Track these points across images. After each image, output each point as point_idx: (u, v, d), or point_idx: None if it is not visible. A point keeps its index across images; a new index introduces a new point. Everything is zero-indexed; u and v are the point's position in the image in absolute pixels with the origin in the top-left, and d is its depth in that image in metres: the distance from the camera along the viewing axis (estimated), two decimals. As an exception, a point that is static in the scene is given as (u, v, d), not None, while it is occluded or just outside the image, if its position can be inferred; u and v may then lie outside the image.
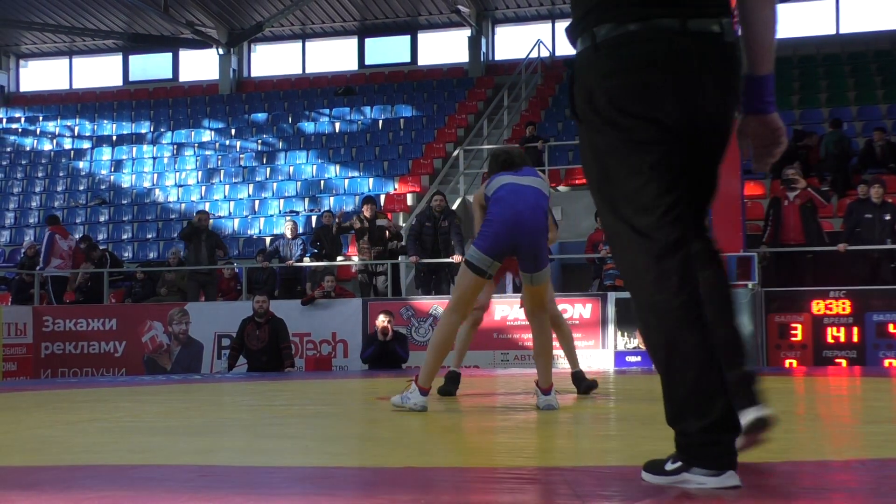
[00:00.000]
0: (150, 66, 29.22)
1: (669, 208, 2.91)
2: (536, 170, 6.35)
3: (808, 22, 24.73)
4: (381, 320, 12.77)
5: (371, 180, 21.02)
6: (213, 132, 24.96)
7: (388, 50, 28.00)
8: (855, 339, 12.80)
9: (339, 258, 15.65)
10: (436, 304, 13.93)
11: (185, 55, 28.98)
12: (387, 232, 15.55)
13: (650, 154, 2.90)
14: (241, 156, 23.36)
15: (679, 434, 2.96)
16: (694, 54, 2.86)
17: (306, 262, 16.06)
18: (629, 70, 2.87)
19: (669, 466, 2.98)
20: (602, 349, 13.42)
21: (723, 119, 2.96)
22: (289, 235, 16.37)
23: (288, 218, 17.98)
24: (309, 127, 24.33)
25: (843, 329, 12.87)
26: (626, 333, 13.37)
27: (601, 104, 2.92)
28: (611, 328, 13.48)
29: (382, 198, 19.98)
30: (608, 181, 2.96)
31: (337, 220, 15.81)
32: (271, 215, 20.32)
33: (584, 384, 7.32)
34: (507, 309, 13.45)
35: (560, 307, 13.77)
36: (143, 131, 25.68)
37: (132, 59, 29.31)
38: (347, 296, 15.04)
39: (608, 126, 2.93)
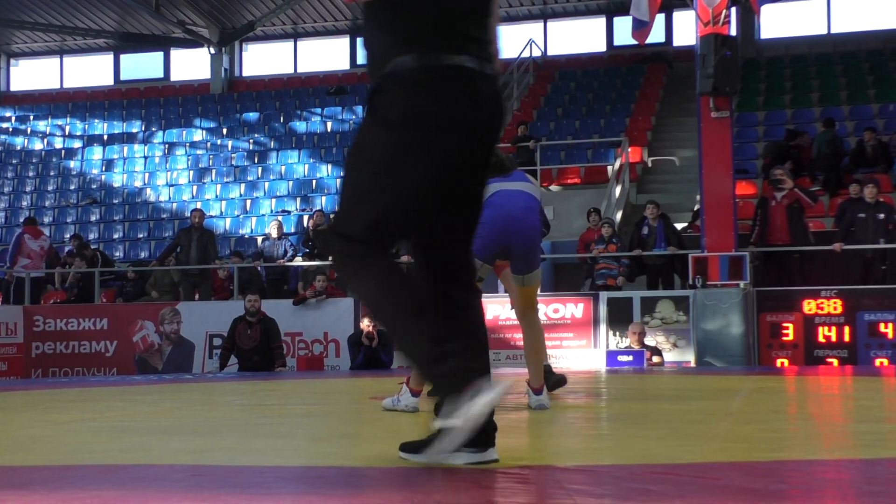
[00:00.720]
0: (142, 66, 29.16)
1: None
2: (527, 174, 6.35)
3: (799, 22, 24.79)
4: (366, 324, 12.77)
5: (363, 180, 20.98)
6: (204, 132, 24.93)
7: (380, 49, 27.93)
8: (846, 338, 12.83)
9: (329, 258, 15.66)
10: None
11: (177, 54, 28.94)
12: None
13: (438, 162, 3.35)
14: (233, 155, 23.33)
15: (431, 378, 3.42)
16: (489, 93, 3.41)
17: (298, 261, 16.04)
18: (451, 95, 3.31)
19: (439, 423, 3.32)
20: (594, 349, 13.43)
21: (495, 143, 3.51)
22: (274, 235, 16.35)
23: (278, 218, 17.97)
24: (300, 126, 24.31)
25: (834, 328, 12.90)
26: (617, 333, 13.38)
27: (419, 118, 3.30)
28: (602, 328, 13.49)
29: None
30: (390, 177, 3.32)
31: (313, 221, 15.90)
32: (263, 215, 20.31)
33: (549, 378, 6.97)
34: (498, 309, 13.44)
35: (552, 307, 13.88)
36: (135, 131, 25.64)
37: (123, 58, 29.24)
38: (339, 295, 15.02)
39: (418, 135, 3.30)
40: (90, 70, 29.56)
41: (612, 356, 12.83)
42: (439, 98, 3.31)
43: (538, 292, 7.30)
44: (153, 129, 25.46)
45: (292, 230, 19.04)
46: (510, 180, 6.17)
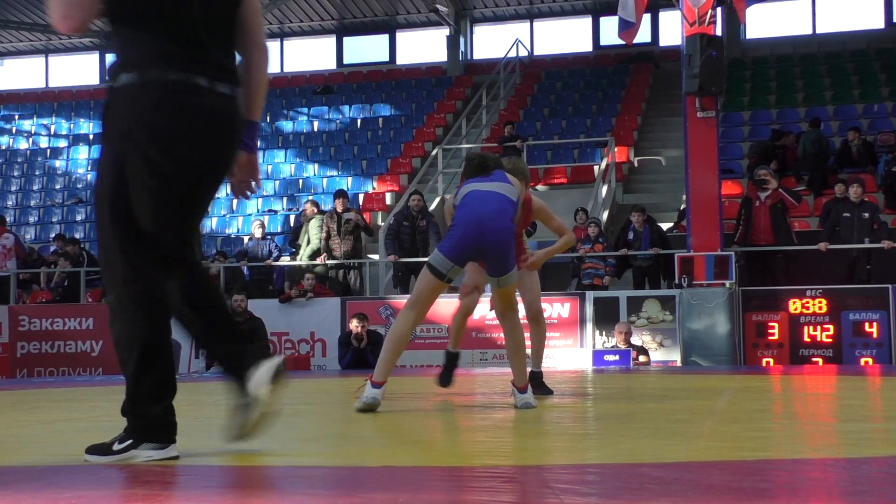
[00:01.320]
0: (127, 65, 29.08)
1: (184, 236, 3.60)
2: (507, 174, 6.31)
3: (784, 22, 24.87)
4: (355, 325, 12.76)
5: (349, 179, 20.99)
6: (190, 131, 24.81)
7: (366, 49, 27.97)
8: (831, 338, 12.88)
9: (319, 258, 15.60)
10: (414, 304, 13.91)
11: (163, 53, 28.82)
12: (351, 223, 15.39)
13: (173, 185, 3.51)
14: (219, 155, 23.23)
15: (135, 417, 3.60)
16: (219, 109, 3.56)
17: (285, 260, 16.01)
18: (170, 114, 3.47)
19: (118, 447, 3.59)
20: (580, 348, 13.45)
21: (231, 159, 3.68)
22: (258, 235, 16.30)
23: (261, 218, 17.93)
24: (287, 126, 24.27)
25: (819, 328, 12.94)
26: (604, 332, 13.40)
27: (140, 137, 3.46)
28: (589, 327, 13.51)
29: (361, 197, 19.96)
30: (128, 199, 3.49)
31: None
32: (249, 214, 20.26)
33: (539, 388, 7.00)
34: (485, 308, 13.42)
35: (538, 306, 13.85)
36: (121, 130, 25.53)
37: (108, 57, 29.05)
38: (325, 295, 14.99)
39: (140, 155, 3.47)
40: (75, 69, 29.47)
41: (598, 355, 12.85)
42: (156, 109, 3.47)
43: (539, 289, 7.35)
44: (139, 129, 25.34)
45: (279, 230, 19.01)
46: (488, 180, 6.14)
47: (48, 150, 25.20)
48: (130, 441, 3.59)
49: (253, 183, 3.83)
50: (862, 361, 12.68)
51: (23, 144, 25.84)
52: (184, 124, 3.49)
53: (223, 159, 3.65)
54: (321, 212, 16.60)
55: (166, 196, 3.52)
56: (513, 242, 6.06)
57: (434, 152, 20.37)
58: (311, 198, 18.01)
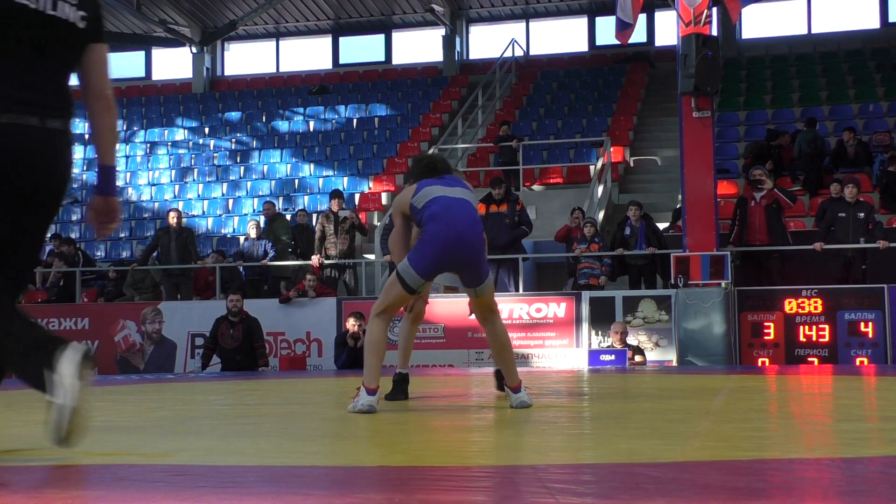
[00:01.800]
0: (123, 65, 29.05)
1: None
2: (458, 178, 6.22)
3: (780, 22, 24.90)
4: (352, 324, 12.75)
5: (345, 179, 21.00)
6: (186, 131, 24.85)
7: (362, 49, 27.97)
8: (827, 337, 12.88)
9: (313, 257, 15.57)
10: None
11: (158, 53, 28.84)
12: (348, 222, 15.38)
13: (12, 216, 3.67)
14: (215, 155, 23.26)
15: (31, 356, 3.55)
16: (49, 144, 3.74)
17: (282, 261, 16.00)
18: (2, 152, 3.58)
19: (50, 396, 3.46)
20: (576, 348, 13.45)
21: (64, 189, 3.90)
22: (253, 235, 16.30)
23: (256, 218, 17.95)
24: (283, 126, 24.26)
25: (815, 328, 12.95)
26: (600, 332, 13.40)
27: None
28: (585, 327, 13.51)
29: (357, 196, 19.96)
30: None
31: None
32: (245, 214, 20.26)
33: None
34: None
35: (534, 306, 13.89)
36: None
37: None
38: (329, 294, 14.93)
39: None
40: (71, 69, 29.39)
41: (594, 355, 12.84)
42: None
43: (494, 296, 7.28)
44: (135, 129, 25.36)
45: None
46: (447, 185, 6.03)
47: (43, 150, 25.13)
48: (50, 377, 3.45)
49: (113, 224, 4.03)
50: (857, 361, 12.69)
51: (18, 144, 25.78)
52: (14, 161, 3.63)
53: (57, 191, 3.86)
54: (277, 214, 16.76)
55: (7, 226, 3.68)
56: (484, 253, 6.01)
57: (430, 152, 20.35)
58: (269, 200, 18.15)
